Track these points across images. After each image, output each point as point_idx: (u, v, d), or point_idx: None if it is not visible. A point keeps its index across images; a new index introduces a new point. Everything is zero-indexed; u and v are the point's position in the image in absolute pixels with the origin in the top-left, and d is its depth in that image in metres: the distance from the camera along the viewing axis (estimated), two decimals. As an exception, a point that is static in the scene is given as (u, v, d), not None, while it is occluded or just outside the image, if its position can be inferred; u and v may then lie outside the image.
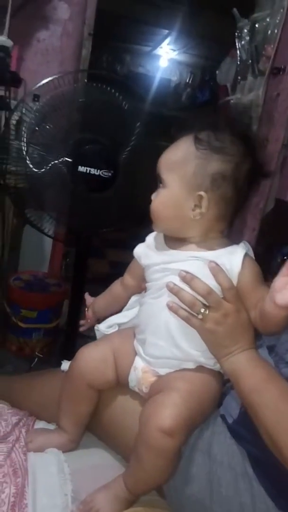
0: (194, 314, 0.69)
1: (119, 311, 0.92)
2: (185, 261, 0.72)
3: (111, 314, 0.92)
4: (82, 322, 0.97)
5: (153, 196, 0.75)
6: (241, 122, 0.79)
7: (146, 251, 0.79)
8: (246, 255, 0.70)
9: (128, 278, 0.87)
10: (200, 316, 0.69)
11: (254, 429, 0.66)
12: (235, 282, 0.69)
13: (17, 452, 0.76)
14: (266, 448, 0.64)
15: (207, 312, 0.68)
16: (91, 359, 0.80)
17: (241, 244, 0.72)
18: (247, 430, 0.69)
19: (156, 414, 0.67)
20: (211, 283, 0.69)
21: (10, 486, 0.68)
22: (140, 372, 0.77)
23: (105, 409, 0.82)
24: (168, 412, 0.66)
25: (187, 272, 0.69)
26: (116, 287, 0.90)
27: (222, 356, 0.70)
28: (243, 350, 0.69)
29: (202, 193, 0.69)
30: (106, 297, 0.92)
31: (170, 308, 0.71)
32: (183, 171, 0.70)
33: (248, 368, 0.68)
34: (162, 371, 0.75)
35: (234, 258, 0.70)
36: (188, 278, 0.69)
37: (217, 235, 0.73)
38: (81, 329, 0.96)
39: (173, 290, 0.70)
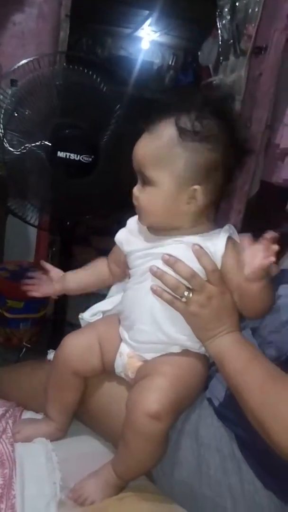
0: (178, 297, 0.69)
1: (94, 292, 0.91)
2: (169, 245, 0.71)
3: (83, 292, 0.90)
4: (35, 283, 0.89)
5: (137, 192, 0.71)
6: (219, 97, 0.73)
7: (127, 237, 0.77)
8: (229, 238, 0.69)
9: (112, 265, 0.85)
10: (184, 299, 0.68)
11: (240, 411, 0.66)
12: (219, 265, 0.69)
13: (4, 443, 0.75)
14: (253, 429, 0.64)
15: (190, 295, 0.68)
16: (76, 346, 0.79)
17: (225, 227, 0.71)
18: (233, 412, 0.69)
19: (143, 399, 0.67)
20: (195, 266, 0.68)
21: (-4, 478, 0.67)
22: (126, 358, 0.76)
23: (92, 396, 0.82)
24: (155, 397, 0.66)
25: (170, 256, 0.68)
26: (103, 267, 0.87)
27: (206, 339, 0.70)
28: (227, 332, 0.69)
29: (196, 187, 0.67)
30: (87, 270, 0.88)
31: (154, 291, 0.70)
32: (173, 167, 0.66)
33: (232, 350, 0.68)
34: (148, 356, 0.75)
35: (217, 241, 0.69)
36: (171, 261, 0.68)
37: (205, 220, 0.72)
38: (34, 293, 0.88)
39: (157, 274, 0.69)
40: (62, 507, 0.67)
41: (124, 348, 0.77)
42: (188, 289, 0.68)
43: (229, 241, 0.69)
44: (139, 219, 0.74)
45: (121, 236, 0.79)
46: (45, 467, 0.73)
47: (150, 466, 0.73)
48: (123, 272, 0.84)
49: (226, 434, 0.71)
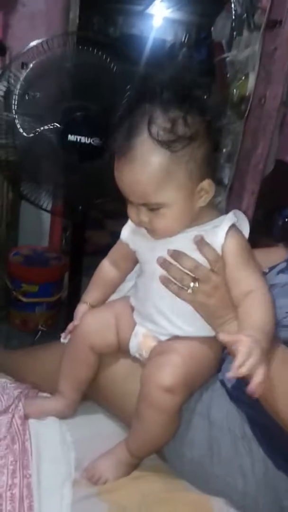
0: (185, 288, 0.68)
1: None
2: (175, 239, 0.70)
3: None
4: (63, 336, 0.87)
5: (145, 218, 0.66)
6: (171, 84, 0.64)
7: (133, 235, 0.76)
8: (232, 226, 0.68)
9: (120, 262, 0.83)
10: (190, 290, 0.68)
11: None
12: (219, 253, 0.68)
13: (16, 422, 0.77)
14: (265, 411, 0.64)
15: (196, 285, 0.67)
16: (94, 322, 0.80)
17: (229, 215, 0.69)
18: (245, 394, 0.69)
19: (157, 373, 0.68)
20: (200, 257, 0.68)
21: (8, 456, 0.69)
22: (141, 337, 0.77)
23: (107, 376, 0.83)
24: (168, 371, 0.68)
25: (174, 250, 0.68)
26: (109, 273, 0.84)
27: (216, 325, 0.70)
28: (236, 318, 0.68)
29: (205, 183, 0.65)
30: (100, 288, 0.86)
31: (162, 281, 0.70)
32: (177, 183, 0.63)
33: None
34: (163, 338, 0.76)
35: (219, 231, 0.68)
36: (175, 255, 0.68)
37: (208, 207, 0.70)
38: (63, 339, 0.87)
39: (163, 266, 0.70)
40: (77, 486, 0.69)
41: (139, 328, 0.78)
42: (194, 279, 0.68)
43: (231, 230, 0.68)
44: (153, 236, 0.70)
45: (126, 234, 0.77)
46: (60, 447, 0.75)
47: (163, 442, 0.74)
48: (133, 265, 0.83)
49: (238, 416, 0.72)
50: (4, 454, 0.70)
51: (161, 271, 0.70)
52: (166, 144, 0.60)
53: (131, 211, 0.68)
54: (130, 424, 0.77)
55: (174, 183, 0.63)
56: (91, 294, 0.86)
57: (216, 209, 0.72)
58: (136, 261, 0.80)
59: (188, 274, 0.68)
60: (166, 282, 0.70)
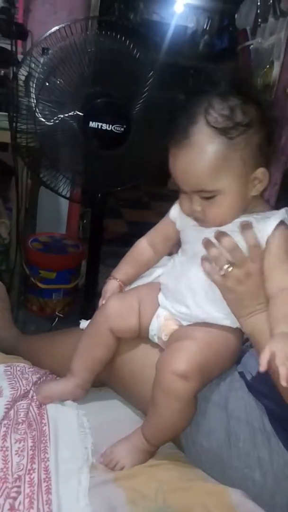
0: (217, 269, 0.68)
1: None
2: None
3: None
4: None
5: (199, 208, 0.67)
6: (234, 74, 0.67)
7: (180, 215, 0.76)
8: (281, 222, 0.67)
9: (157, 244, 0.84)
10: (222, 272, 0.68)
11: (272, 385, 0.65)
12: (263, 244, 0.67)
13: (33, 407, 0.78)
14: (285, 403, 0.64)
15: (230, 269, 0.67)
16: (117, 305, 0.81)
17: (282, 210, 0.69)
18: (265, 386, 0.69)
19: (172, 359, 0.69)
20: (243, 244, 0.68)
21: (27, 440, 0.70)
22: (163, 320, 0.77)
23: (125, 363, 0.83)
24: (183, 357, 0.68)
25: (221, 231, 0.69)
26: (146, 253, 0.85)
27: (242, 315, 0.70)
28: (263, 311, 0.68)
29: (259, 170, 0.66)
30: (135, 266, 0.86)
31: (201, 260, 0.70)
32: (233, 170, 0.64)
33: (266, 327, 0.66)
34: (184, 323, 0.76)
35: (268, 221, 0.67)
36: (219, 234, 0.68)
37: (259, 197, 0.71)
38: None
39: (206, 245, 0.70)
40: (94, 471, 0.69)
41: (161, 311, 0.78)
42: (229, 263, 0.68)
43: (281, 225, 0.67)
44: (205, 226, 0.71)
45: (175, 212, 0.78)
46: (77, 432, 0.76)
47: (178, 429, 0.74)
48: (169, 248, 0.84)
49: (257, 408, 0.72)
50: (23, 438, 0.71)
51: (203, 253, 0.70)
52: (224, 131, 0.62)
53: (183, 201, 0.69)
54: (145, 411, 0.77)
55: (230, 170, 0.64)
56: (123, 271, 0.86)
57: (268, 203, 0.72)
58: (172, 245, 0.81)
59: (224, 257, 0.68)
60: (204, 260, 0.70)
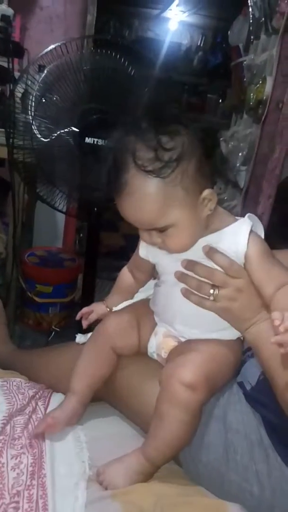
0: (206, 297, 0.69)
1: None
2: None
3: None
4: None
5: (158, 240, 0.68)
6: (151, 106, 0.70)
7: (151, 250, 0.76)
8: (251, 232, 0.68)
9: (137, 273, 0.85)
10: (211, 298, 0.68)
11: (272, 395, 0.66)
12: (242, 260, 0.68)
13: (33, 423, 0.77)
14: (284, 414, 0.64)
15: (217, 292, 0.68)
16: (117, 323, 0.81)
17: (246, 220, 0.70)
18: (265, 397, 0.70)
19: (178, 370, 0.69)
20: (215, 266, 0.69)
21: (28, 457, 0.70)
22: (161, 337, 0.78)
23: (122, 378, 0.83)
24: (190, 368, 0.68)
25: (188, 260, 0.69)
26: (127, 280, 0.87)
27: (244, 328, 0.70)
28: (265, 320, 0.69)
29: (204, 193, 0.66)
30: (120, 292, 0.88)
31: (183, 294, 0.71)
32: (178, 203, 0.64)
33: (268, 336, 0.67)
34: (183, 339, 0.76)
35: (239, 239, 0.68)
36: (190, 265, 0.69)
37: (219, 212, 0.71)
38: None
39: (181, 279, 0.71)
40: (91, 484, 0.68)
41: (159, 329, 0.79)
42: (213, 286, 0.68)
43: (251, 236, 0.68)
44: (170, 252, 0.71)
45: (144, 250, 0.78)
46: (73, 446, 0.75)
47: (182, 444, 0.72)
48: (148, 277, 0.85)
49: (255, 420, 0.72)
50: (19, 453, 0.71)
51: (181, 283, 0.71)
52: (156, 173, 0.61)
53: (143, 235, 0.69)
54: (144, 427, 0.77)
55: (174, 204, 0.63)
56: (111, 297, 0.89)
57: (229, 213, 0.73)
58: (151, 274, 0.82)
59: (206, 282, 0.68)
60: (188, 294, 0.71)
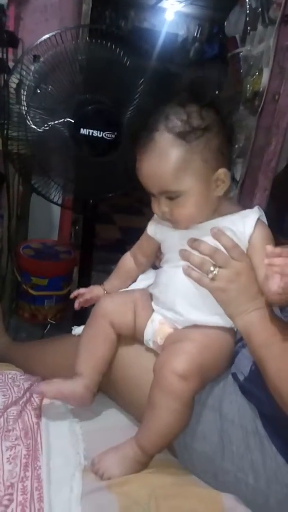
0: (205, 274, 0.70)
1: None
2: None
3: None
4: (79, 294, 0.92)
5: (166, 209, 0.71)
6: (192, 83, 0.74)
7: (160, 227, 0.79)
8: (259, 219, 0.71)
9: (140, 257, 0.88)
10: (210, 275, 0.70)
11: (264, 385, 0.66)
12: (246, 243, 0.71)
13: (29, 414, 0.77)
14: (277, 404, 0.65)
15: (217, 270, 0.69)
16: (113, 302, 0.83)
17: (255, 209, 0.73)
18: (257, 387, 0.70)
19: (171, 359, 0.70)
20: (220, 247, 0.70)
21: (22, 448, 0.70)
22: (157, 324, 0.78)
23: (119, 368, 0.83)
24: (183, 357, 0.69)
25: (194, 239, 0.71)
26: (128, 264, 0.89)
27: (236, 314, 0.70)
28: (257, 308, 0.69)
29: (220, 171, 0.69)
30: (120, 276, 0.90)
31: (184, 271, 0.72)
32: (194, 170, 0.68)
33: (260, 324, 0.68)
34: (179, 326, 0.77)
35: (247, 221, 0.71)
36: (195, 243, 0.71)
37: (228, 199, 0.75)
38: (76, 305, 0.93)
39: (184, 256, 0.72)
40: (87, 475, 0.69)
41: (156, 316, 0.79)
42: (214, 265, 0.70)
43: (259, 222, 0.71)
44: (177, 227, 0.74)
45: (152, 228, 0.81)
46: (69, 438, 0.76)
47: (175, 434, 0.73)
48: (150, 263, 0.87)
49: (250, 411, 0.72)
50: (14, 445, 0.71)
51: (184, 262, 0.72)
52: (182, 135, 0.66)
53: (153, 203, 0.73)
54: (139, 417, 0.77)
55: (190, 171, 0.67)
56: (110, 281, 0.91)
57: (238, 204, 0.74)
58: (153, 258, 0.84)
59: (208, 260, 0.70)
60: (189, 271, 0.72)
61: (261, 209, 0.74)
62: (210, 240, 0.71)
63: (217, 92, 0.76)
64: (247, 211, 0.73)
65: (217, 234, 0.70)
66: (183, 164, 0.67)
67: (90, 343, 0.82)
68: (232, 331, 0.75)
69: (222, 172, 0.69)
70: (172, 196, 0.69)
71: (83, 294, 0.91)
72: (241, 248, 0.70)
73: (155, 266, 0.89)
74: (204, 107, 0.68)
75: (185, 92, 0.69)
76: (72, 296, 0.93)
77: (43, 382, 0.81)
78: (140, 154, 0.69)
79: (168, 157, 0.67)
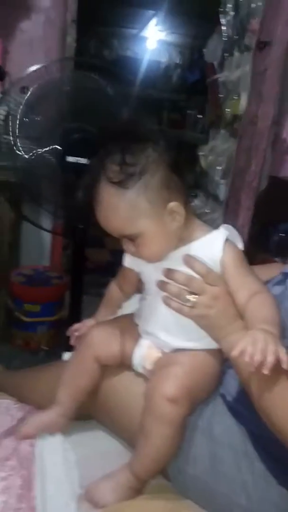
0: (184, 304, 0.71)
1: None
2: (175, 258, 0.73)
3: None
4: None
5: (132, 249, 0.72)
6: (121, 125, 0.77)
7: (135, 260, 0.79)
8: (227, 240, 0.72)
9: (124, 286, 0.88)
10: (189, 304, 0.70)
11: (252, 406, 0.67)
12: (218, 267, 0.71)
13: (23, 444, 0.77)
14: (265, 424, 0.65)
15: (194, 298, 0.70)
16: (99, 333, 0.82)
17: (221, 230, 0.74)
18: (246, 408, 0.70)
19: (160, 384, 0.70)
20: (194, 275, 0.71)
21: (17, 479, 0.69)
22: (145, 349, 0.78)
23: (109, 394, 0.83)
24: (172, 382, 0.70)
25: (169, 269, 0.72)
26: (115, 293, 0.89)
27: (221, 337, 0.71)
28: (241, 329, 0.69)
29: (170, 204, 0.70)
30: (108, 306, 0.91)
31: (164, 302, 0.73)
32: (143, 212, 0.68)
33: None
34: (167, 350, 0.77)
35: (215, 246, 0.72)
36: (167, 273, 0.72)
37: (193, 223, 0.75)
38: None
39: (162, 287, 0.73)
40: (82, 505, 0.68)
41: (143, 341, 0.79)
42: (191, 293, 0.70)
43: (226, 244, 0.72)
44: (146, 261, 0.75)
45: (130, 260, 0.81)
46: (62, 467, 0.75)
47: (168, 458, 0.73)
48: (134, 289, 0.87)
49: (239, 431, 0.72)
50: (8, 476, 0.70)
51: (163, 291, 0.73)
52: (121, 184, 0.67)
53: (122, 243, 0.74)
54: (132, 443, 0.77)
55: (139, 214, 0.68)
56: (100, 312, 0.90)
57: (205, 224, 0.76)
58: (137, 286, 0.84)
59: (185, 289, 0.71)
60: (168, 301, 0.73)
61: (229, 227, 0.75)
62: (184, 268, 0.72)
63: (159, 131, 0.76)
64: (214, 233, 0.73)
65: (189, 262, 0.71)
66: (130, 210, 0.68)
67: (72, 374, 0.82)
68: (220, 352, 0.75)
69: (172, 205, 0.69)
70: (131, 238, 0.71)
71: (77, 329, 0.90)
72: (214, 272, 0.71)
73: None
74: (138, 148, 0.68)
75: (120, 136, 0.70)
76: (68, 334, 0.92)
77: (22, 425, 0.81)
78: (94, 204, 0.71)
79: (115, 207, 0.68)
